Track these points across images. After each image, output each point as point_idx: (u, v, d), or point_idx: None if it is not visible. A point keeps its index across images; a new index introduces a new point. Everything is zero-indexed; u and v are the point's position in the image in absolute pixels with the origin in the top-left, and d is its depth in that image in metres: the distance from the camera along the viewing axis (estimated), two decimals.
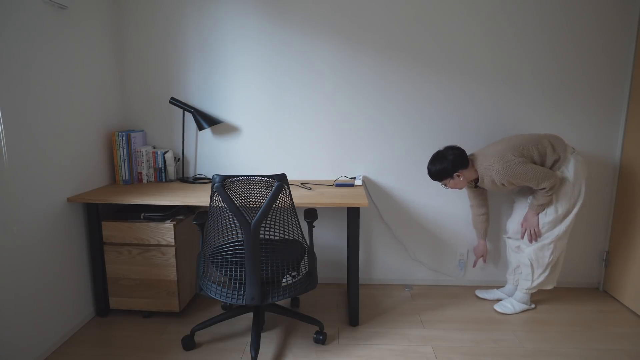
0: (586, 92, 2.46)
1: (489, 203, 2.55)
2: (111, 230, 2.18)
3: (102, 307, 2.28)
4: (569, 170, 2.12)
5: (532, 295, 2.42)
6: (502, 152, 2.07)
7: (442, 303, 2.47)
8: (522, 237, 2.26)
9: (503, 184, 2.10)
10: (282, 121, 2.59)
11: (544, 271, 2.24)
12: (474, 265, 2.57)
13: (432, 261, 2.71)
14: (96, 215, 2.20)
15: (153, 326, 2.20)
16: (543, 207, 2.16)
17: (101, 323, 2.23)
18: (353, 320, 2.20)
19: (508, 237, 2.41)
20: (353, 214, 2.09)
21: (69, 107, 2.10)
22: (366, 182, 2.64)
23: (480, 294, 2.52)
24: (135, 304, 2.25)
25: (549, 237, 2.19)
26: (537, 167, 2.05)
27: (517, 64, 2.45)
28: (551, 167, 2.14)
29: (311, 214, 2.03)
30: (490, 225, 2.57)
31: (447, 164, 2.13)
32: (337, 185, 2.42)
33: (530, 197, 2.21)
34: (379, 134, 2.57)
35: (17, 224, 1.76)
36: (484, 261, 2.53)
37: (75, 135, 2.15)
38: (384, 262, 2.73)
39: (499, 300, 2.47)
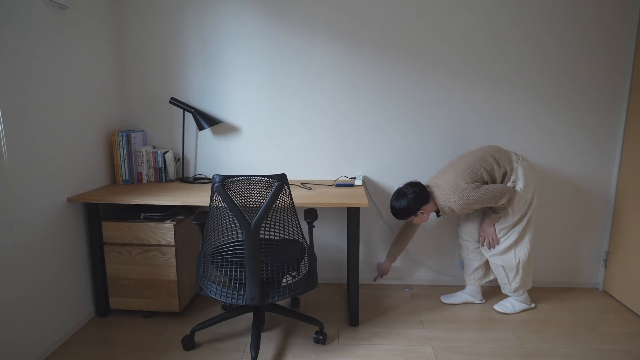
0: (587, 91, 2.46)
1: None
2: (111, 230, 2.18)
3: (102, 307, 2.28)
4: (520, 179, 2.16)
5: (532, 294, 2.42)
6: (455, 182, 2.09)
7: (442, 303, 2.47)
8: (482, 245, 2.29)
9: (465, 211, 2.12)
10: (282, 121, 2.59)
11: (516, 274, 2.26)
12: (375, 280, 2.62)
13: (432, 261, 2.71)
14: (96, 215, 2.20)
15: (153, 326, 2.20)
16: (499, 217, 2.20)
17: (101, 323, 2.23)
18: (353, 320, 2.20)
19: (464, 240, 2.40)
20: (353, 214, 2.08)
21: (69, 107, 2.10)
22: (366, 182, 2.64)
23: (446, 299, 2.48)
24: (135, 304, 2.25)
25: (507, 242, 2.22)
26: (490, 187, 2.07)
27: (517, 64, 2.45)
28: (502, 181, 2.16)
29: (311, 214, 2.03)
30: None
31: (410, 202, 2.12)
32: (337, 185, 2.42)
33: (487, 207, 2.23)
34: (379, 134, 2.57)
35: (17, 224, 1.76)
36: (382, 277, 2.62)
37: (76, 135, 2.15)
38: None
39: (466, 303, 2.46)
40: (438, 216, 2.30)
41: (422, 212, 2.16)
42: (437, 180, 2.19)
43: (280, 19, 2.48)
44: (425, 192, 2.15)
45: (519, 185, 2.16)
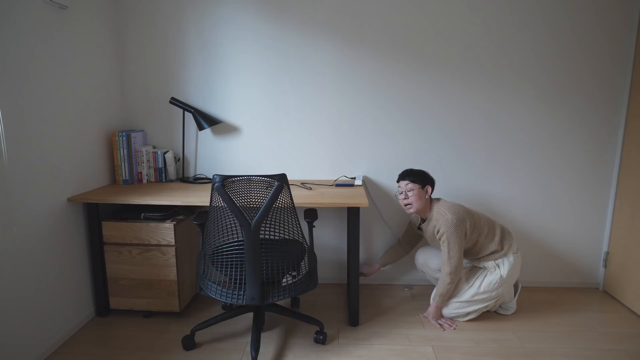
0: (587, 91, 2.46)
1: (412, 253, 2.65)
2: (111, 230, 2.18)
3: (102, 307, 2.28)
4: (505, 265, 2.16)
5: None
6: (460, 211, 2.11)
7: None
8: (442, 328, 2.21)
9: (439, 238, 2.14)
10: (282, 121, 2.59)
11: (495, 303, 2.25)
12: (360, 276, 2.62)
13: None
14: (96, 215, 2.20)
15: (153, 326, 2.20)
16: (443, 298, 2.18)
17: (101, 323, 2.23)
18: (353, 320, 2.20)
19: (422, 272, 2.46)
20: (353, 214, 2.08)
21: (69, 107, 2.10)
22: (366, 182, 2.64)
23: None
24: (135, 304, 2.25)
25: (459, 311, 2.21)
26: (462, 248, 2.09)
27: (518, 63, 2.45)
28: (488, 254, 2.18)
29: (311, 214, 2.03)
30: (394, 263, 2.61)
31: (425, 173, 2.18)
32: (337, 185, 2.42)
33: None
34: (379, 134, 2.57)
35: (17, 224, 1.76)
36: (365, 276, 2.59)
37: (76, 135, 2.15)
38: None
39: None
40: (419, 227, 2.32)
41: (425, 191, 2.15)
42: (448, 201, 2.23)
43: (280, 19, 2.48)
44: (431, 182, 2.18)
45: (501, 270, 2.15)
